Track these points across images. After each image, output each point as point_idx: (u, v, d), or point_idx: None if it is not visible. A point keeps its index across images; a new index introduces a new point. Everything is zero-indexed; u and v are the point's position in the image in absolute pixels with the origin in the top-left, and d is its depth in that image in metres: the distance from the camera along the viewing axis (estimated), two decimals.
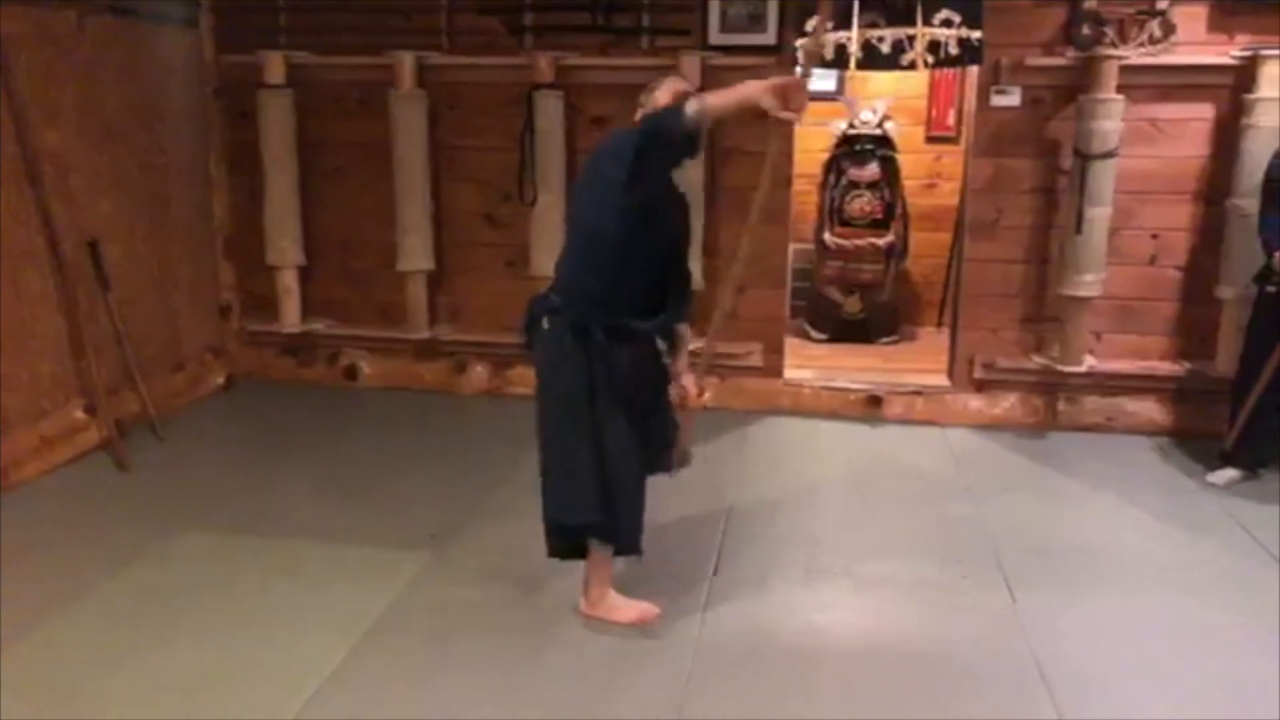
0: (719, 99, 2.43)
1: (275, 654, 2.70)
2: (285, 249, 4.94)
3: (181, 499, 3.73)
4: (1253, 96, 4.11)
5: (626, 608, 2.89)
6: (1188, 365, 4.47)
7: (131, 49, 4.43)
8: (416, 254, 4.86)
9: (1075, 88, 4.31)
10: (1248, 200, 4.04)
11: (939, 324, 5.99)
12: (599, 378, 2.68)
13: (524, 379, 4.95)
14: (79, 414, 4.11)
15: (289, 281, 5.01)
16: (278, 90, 4.80)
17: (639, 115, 2.68)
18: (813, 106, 5.97)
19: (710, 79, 4.47)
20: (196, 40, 4.88)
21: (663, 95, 2.69)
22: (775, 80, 2.35)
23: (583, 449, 2.70)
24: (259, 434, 4.58)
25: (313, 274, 5.10)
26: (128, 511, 3.63)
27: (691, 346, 2.98)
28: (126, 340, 4.30)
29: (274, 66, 4.78)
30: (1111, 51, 4.21)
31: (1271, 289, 3.78)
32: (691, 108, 2.40)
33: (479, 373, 5.09)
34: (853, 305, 5.79)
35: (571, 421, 2.71)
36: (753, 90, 2.35)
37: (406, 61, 4.67)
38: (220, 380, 5.13)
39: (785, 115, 2.35)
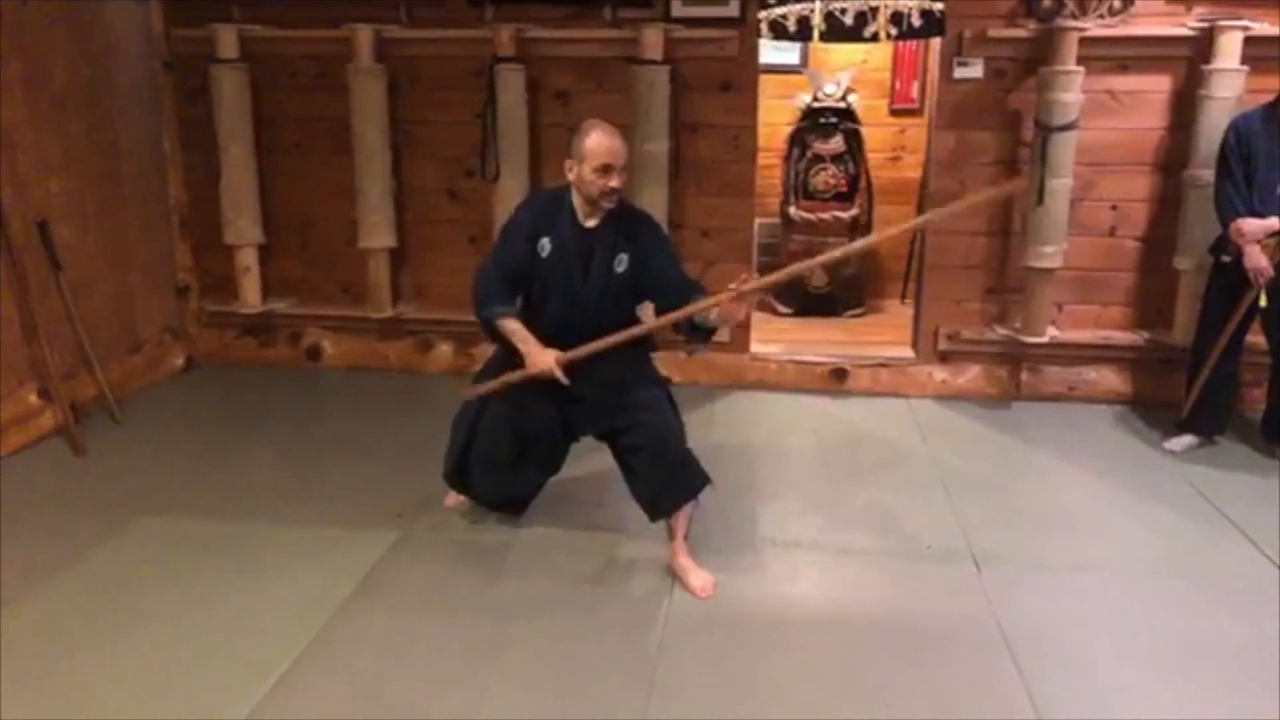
0: (515, 336, 2.91)
1: (240, 638, 2.67)
2: (243, 227, 4.85)
3: (140, 483, 3.67)
4: (1210, 67, 4.15)
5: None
6: (1146, 335, 4.54)
7: (78, 23, 4.29)
8: (378, 231, 4.79)
9: (1036, 59, 4.33)
10: (1204, 171, 4.09)
11: (903, 297, 6.02)
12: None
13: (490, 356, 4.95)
14: (33, 398, 4.02)
15: (248, 260, 4.92)
16: (231, 65, 4.68)
17: (566, 162, 2.89)
18: (777, 79, 6.01)
19: (673, 52, 4.47)
20: (145, 13, 4.74)
21: (587, 153, 2.82)
22: (544, 367, 2.84)
23: (470, 410, 3.15)
24: (220, 416, 4.51)
25: (272, 253, 5.01)
26: (85, 497, 3.56)
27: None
28: (80, 322, 4.21)
29: (227, 40, 4.66)
30: (1071, 23, 4.23)
31: (1226, 259, 3.84)
32: (496, 321, 2.92)
33: (444, 351, 5.05)
34: (818, 278, 5.81)
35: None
36: (534, 356, 2.86)
37: (364, 35, 4.58)
38: (179, 362, 5.04)
39: (538, 374, 2.85)
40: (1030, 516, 3.49)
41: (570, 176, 2.88)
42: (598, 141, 2.80)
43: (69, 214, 4.25)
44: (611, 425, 3.01)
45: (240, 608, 2.82)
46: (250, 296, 4.96)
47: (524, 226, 2.96)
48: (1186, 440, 4.06)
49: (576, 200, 2.91)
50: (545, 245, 2.91)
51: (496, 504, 3.31)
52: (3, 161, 3.87)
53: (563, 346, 2.87)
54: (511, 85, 4.54)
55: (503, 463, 3.15)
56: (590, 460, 3.34)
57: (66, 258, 4.15)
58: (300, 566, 3.05)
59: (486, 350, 4.89)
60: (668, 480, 2.97)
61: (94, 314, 4.36)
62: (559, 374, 2.83)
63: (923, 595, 2.95)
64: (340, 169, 4.78)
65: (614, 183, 2.82)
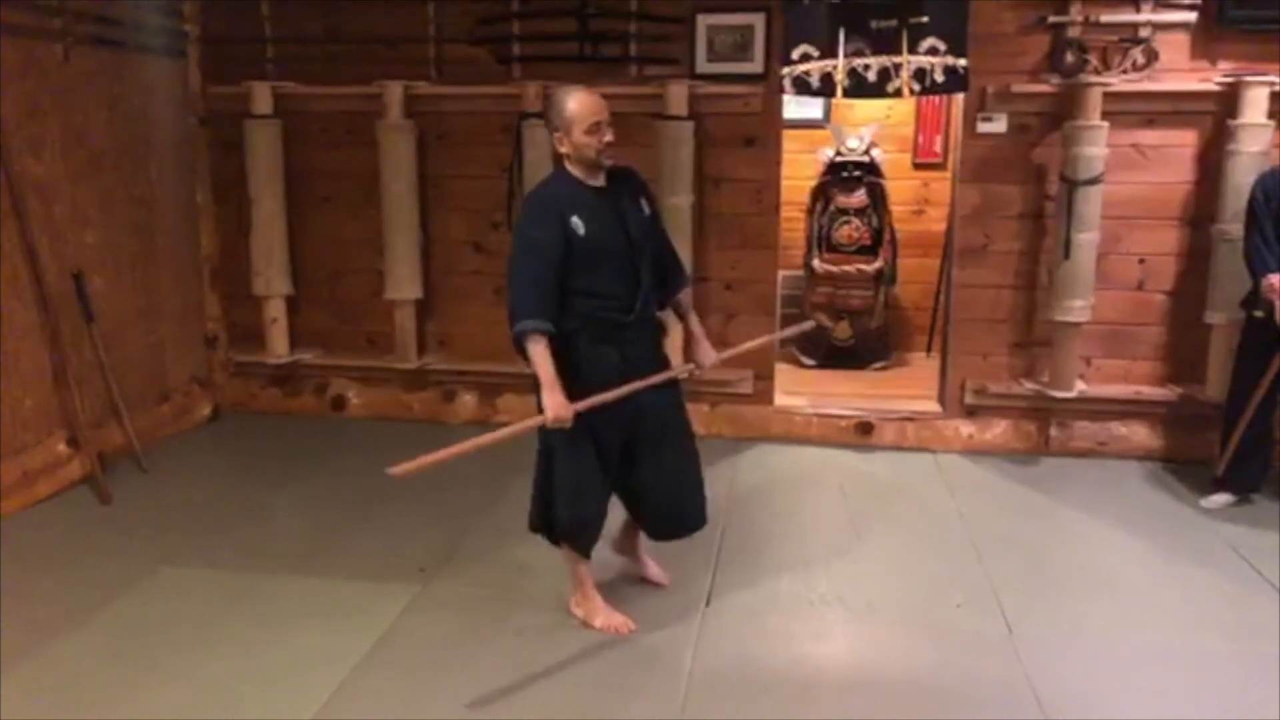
0: (539, 370, 2.73)
1: (261, 690, 2.65)
2: (272, 279, 4.92)
3: (165, 533, 3.68)
4: (1236, 122, 4.14)
5: (605, 615, 3.00)
6: (1178, 390, 4.47)
7: (117, 80, 4.42)
8: (405, 283, 4.84)
9: (1060, 114, 4.34)
10: (1233, 225, 4.06)
11: (929, 350, 5.99)
12: (585, 381, 2.80)
13: (513, 408, 4.95)
14: (61, 447, 4.05)
15: (276, 311, 4.98)
16: (265, 120, 4.79)
17: (554, 136, 2.81)
18: (800, 134, 6.04)
19: (698, 107, 4.52)
20: (183, 71, 4.87)
21: (574, 118, 2.75)
22: (557, 416, 2.71)
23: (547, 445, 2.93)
24: (245, 466, 4.52)
25: (300, 304, 5.07)
26: (111, 546, 3.57)
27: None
28: (110, 372, 4.26)
29: (261, 96, 4.77)
30: (1095, 78, 4.25)
31: (1259, 314, 3.79)
32: (526, 341, 2.74)
33: (467, 402, 5.06)
34: (843, 331, 5.80)
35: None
36: (550, 401, 2.71)
37: (394, 91, 4.68)
38: (206, 411, 5.08)
39: (550, 423, 2.73)
40: (1063, 575, 3.41)
41: (563, 149, 2.80)
42: (580, 103, 2.74)
43: (103, 265, 4.33)
44: (645, 429, 2.94)
45: (262, 660, 2.80)
46: (277, 347, 5.01)
47: (546, 218, 2.78)
48: (1222, 498, 3.98)
49: (576, 171, 2.81)
50: (577, 223, 2.76)
51: (581, 528, 2.99)
52: (40, 214, 3.95)
53: (629, 316, 2.83)
54: (538, 140, 4.59)
55: (588, 482, 2.94)
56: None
57: (99, 308, 4.22)
58: (322, 619, 3.03)
59: (509, 402, 4.95)
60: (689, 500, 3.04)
61: (124, 364, 4.42)
62: (568, 425, 2.72)
63: (953, 656, 2.88)
64: (368, 222, 4.85)
65: (609, 138, 2.77)
